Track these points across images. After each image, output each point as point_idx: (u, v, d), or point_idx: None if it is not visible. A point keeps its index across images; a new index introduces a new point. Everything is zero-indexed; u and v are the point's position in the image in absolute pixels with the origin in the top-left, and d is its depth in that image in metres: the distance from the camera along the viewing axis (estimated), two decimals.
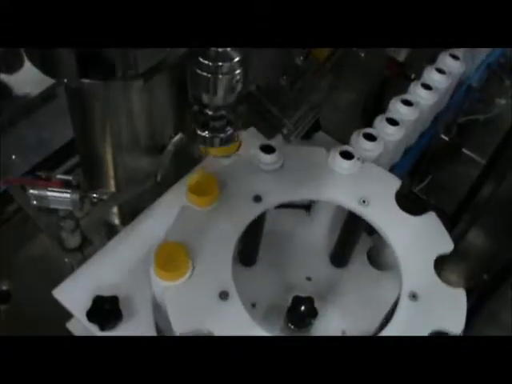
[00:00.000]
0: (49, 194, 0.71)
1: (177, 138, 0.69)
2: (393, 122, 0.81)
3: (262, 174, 0.73)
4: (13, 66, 0.97)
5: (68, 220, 0.70)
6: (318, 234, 0.86)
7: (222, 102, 0.62)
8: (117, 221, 0.82)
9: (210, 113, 0.64)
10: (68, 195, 0.71)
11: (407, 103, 0.83)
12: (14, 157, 0.96)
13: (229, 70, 0.58)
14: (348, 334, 0.76)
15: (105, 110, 0.66)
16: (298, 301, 0.71)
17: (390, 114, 0.82)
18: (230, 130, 0.66)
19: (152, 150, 0.71)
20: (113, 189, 0.75)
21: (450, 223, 0.80)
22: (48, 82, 0.90)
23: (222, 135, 0.66)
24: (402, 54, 1.02)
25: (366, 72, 1.03)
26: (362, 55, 0.93)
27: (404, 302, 0.65)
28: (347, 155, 0.75)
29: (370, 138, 0.78)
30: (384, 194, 0.74)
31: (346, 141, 0.80)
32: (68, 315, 0.67)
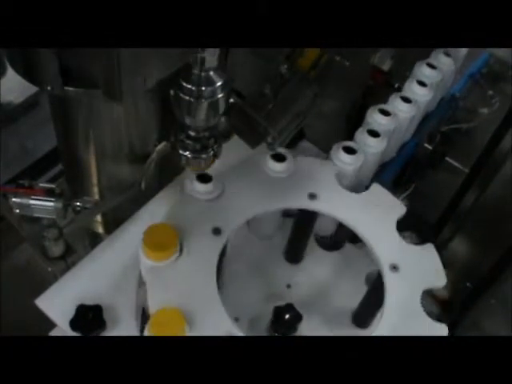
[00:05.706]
0: (32, 202, 0.71)
1: (161, 146, 0.69)
2: (373, 133, 0.81)
3: (266, 180, 0.75)
4: None
5: (51, 229, 0.70)
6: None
7: (204, 125, 0.63)
8: (100, 229, 0.82)
9: (192, 134, 0.64)
10: (51, 203, 0.71)
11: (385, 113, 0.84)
12: None
13: (211, 94, 0.58)
14: None
15: (88, 118, 0.66)
16: (280, 310, 0.71)
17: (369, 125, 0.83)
18: (211, 152, 0.66)
19: (136, 158, 0.71)
20: (96, 196, 0.75)
21: (434, 231, 0.80)
22: (31, 89, 0.90)
23: (203, 156, 0.66)
24: (386, 63, 1.03)
25: (351, 81, 1.03)
26: (347, 64, 0.94)
27: (383, 329, 0.65)
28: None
29: (350, 151, 0.78)
30: (386, 218, 0.73)
31: (329, 150, 0.80)
32: (51, 324, 0.67)
